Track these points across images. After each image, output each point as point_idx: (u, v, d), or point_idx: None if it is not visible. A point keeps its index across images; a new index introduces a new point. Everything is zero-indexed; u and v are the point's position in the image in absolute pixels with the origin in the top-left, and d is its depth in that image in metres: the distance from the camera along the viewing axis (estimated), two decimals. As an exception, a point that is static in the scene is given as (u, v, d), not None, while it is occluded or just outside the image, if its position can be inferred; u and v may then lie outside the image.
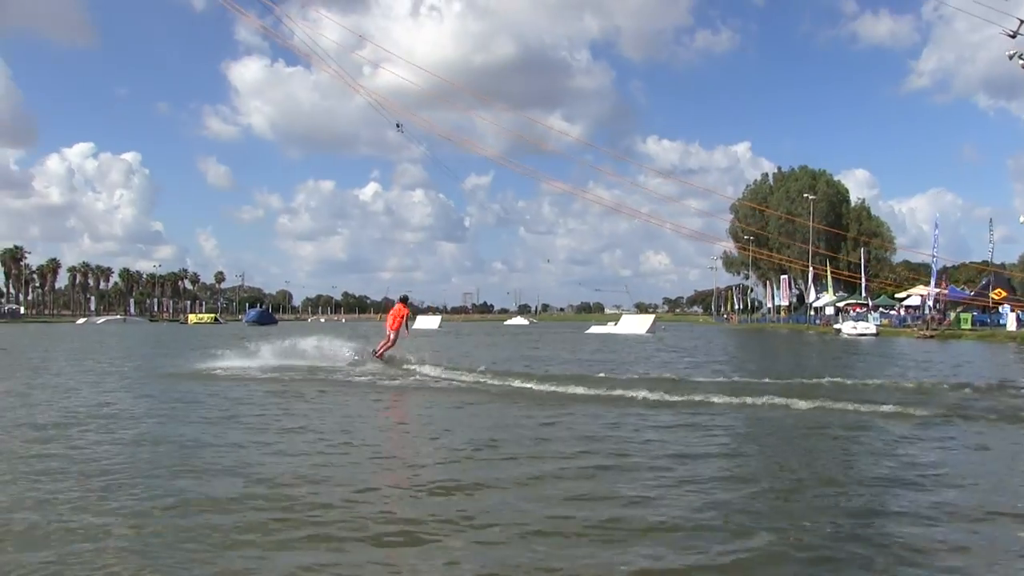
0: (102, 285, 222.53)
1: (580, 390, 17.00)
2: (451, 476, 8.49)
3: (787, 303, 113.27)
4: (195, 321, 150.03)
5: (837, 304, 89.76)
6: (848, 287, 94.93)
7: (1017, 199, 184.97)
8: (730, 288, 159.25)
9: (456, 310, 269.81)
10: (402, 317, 25.13)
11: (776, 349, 46.92)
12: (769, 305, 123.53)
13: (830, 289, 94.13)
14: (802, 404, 14.48)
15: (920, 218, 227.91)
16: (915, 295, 78.50)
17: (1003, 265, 77.94)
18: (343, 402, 15.80)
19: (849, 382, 19.41)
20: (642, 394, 15.99)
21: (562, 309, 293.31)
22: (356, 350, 25.68)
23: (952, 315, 62.81)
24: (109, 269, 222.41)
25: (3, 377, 21.71)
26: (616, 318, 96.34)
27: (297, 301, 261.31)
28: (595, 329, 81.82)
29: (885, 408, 13.94)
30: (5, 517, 6.86)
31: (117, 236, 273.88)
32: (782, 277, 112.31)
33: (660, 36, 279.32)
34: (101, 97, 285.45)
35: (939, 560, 5.94)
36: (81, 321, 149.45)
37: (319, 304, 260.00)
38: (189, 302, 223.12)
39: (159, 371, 23.64)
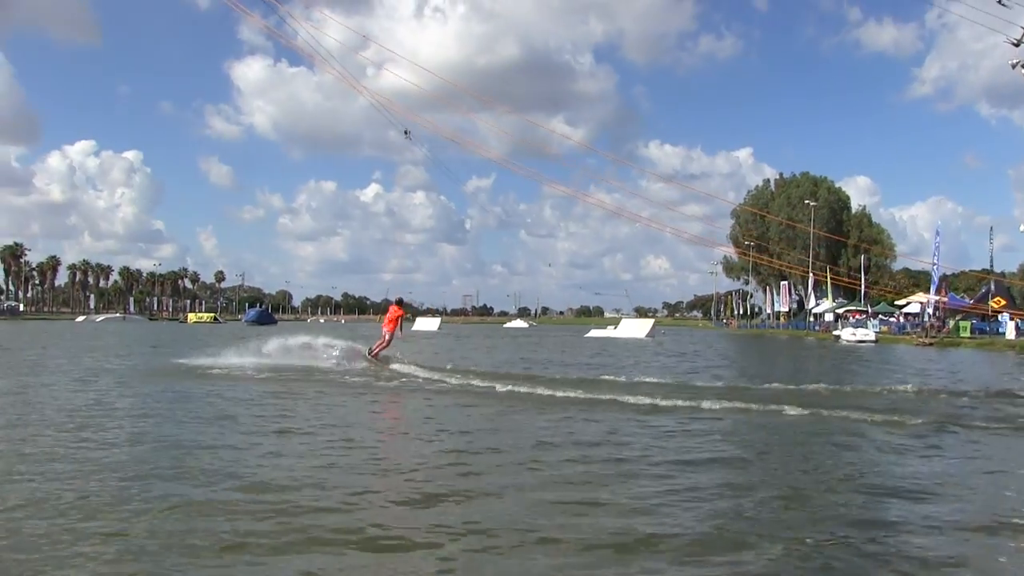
0: (102, 283, 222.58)
1: (578, 394, 16.97)
2: (447, 481, 8.45)
3: (787, 309, 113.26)
4: (194, 320, 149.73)
5: (837, 310, 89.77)
6: (848, 294, 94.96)
7: (1018, 208, 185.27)
8: (730, 293, 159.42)
9: (456, 312, 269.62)
10: (397, 319, 25.71)
11: (775, 355, 46.86)
12: (769, 311, 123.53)
13: (830, 295, 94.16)
14: (800, 411, 14.43)
15: (921, 226, 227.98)
16: (915, 302, 78.52)
17: (1003, 274, 77.90)
18: (338, 403, 15.74)
19: (847, 388, 19.41)
20: (640, 399, 15.98)
21: (562, 312, 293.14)
22: (345, 350, 25.82)
23: (951, 323, 62.76)
24: (109, 267, 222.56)
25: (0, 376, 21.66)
26: (616, 322, 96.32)
27: (297, 301, 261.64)
28: (595, 333, 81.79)
29: (882, 415, 13.94)
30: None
31: (118, 234, 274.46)
32: (782, 283, 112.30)
33: (664, 40, 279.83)
34: (103, 95, 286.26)
35: (939, 573, 5.91)
36: (80, 319, 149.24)
37: (319, 304, 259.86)
38: (189, 301, 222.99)
39: (155, 369, 23.57)
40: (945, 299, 65.86)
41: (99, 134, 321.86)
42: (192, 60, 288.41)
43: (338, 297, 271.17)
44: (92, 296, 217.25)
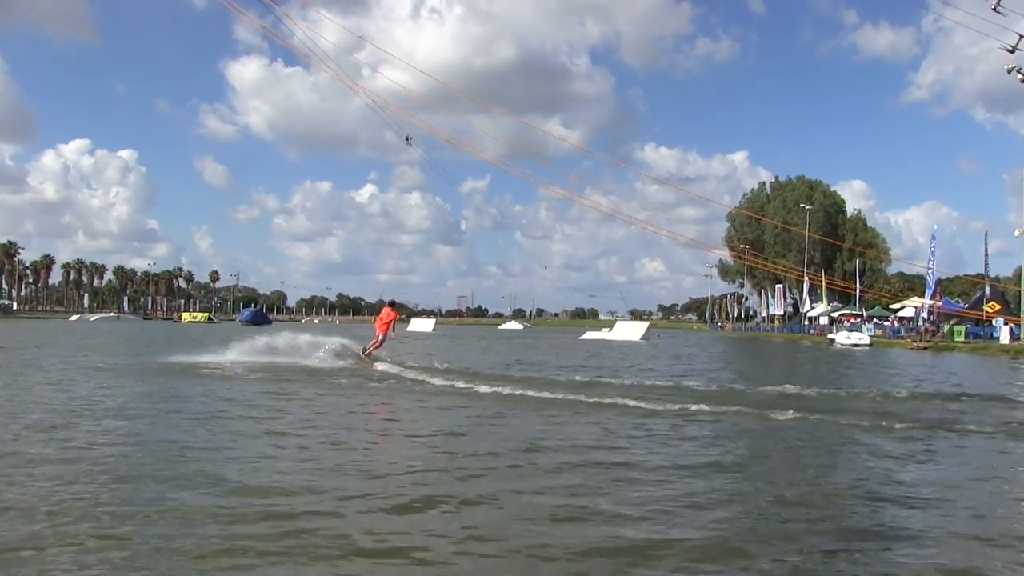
0: (96, 282, 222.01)
1: (572, 396, 16.94)
2: (438, 487, 8.37)
3: (782, 312, 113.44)
4: (189, 320, 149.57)
5: (831, 314, 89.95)
6: (843, 297, 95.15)
7: (1012, 213, 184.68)
8: (725, 296, 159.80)
9: (451, 313, 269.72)
10: (390, 320, 26.62)
11: (770, 358, 46.89)
12: (763, 314, 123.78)
13: (825, 299, 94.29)
14: (793, 414, 14.39)
15: (916, 230, 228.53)
16: (909, 306, 78.63)
17: (998, 278, 77.92)
18: (330, 403, 15.62)
19: (842, 392, 19.39)
20: (635, 402, 15.95)
21: (557, 314, 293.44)
22: (337, 348, 26.05)
23: (946, 327, 62.85)
24: (103, 266, 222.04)
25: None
26: (611, 324, 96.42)
27: (292, 302, 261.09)
28: (589, 335, 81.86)
29: (876, 420, 13.90)
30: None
31: (112, 233, 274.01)
32: (777, 286, 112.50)
33: (660, 43, 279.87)
34: (99, 94, 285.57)
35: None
36: (74, 318, 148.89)
37: (314, 305, 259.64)
38: (183, 301, 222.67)
39: (147, 368, 23.46)
40: (940, 303, 65.98)
41: (94, 133, 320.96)
42: (188, 59, 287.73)
43: (333, 298, 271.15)
44: (86, 295, 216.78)
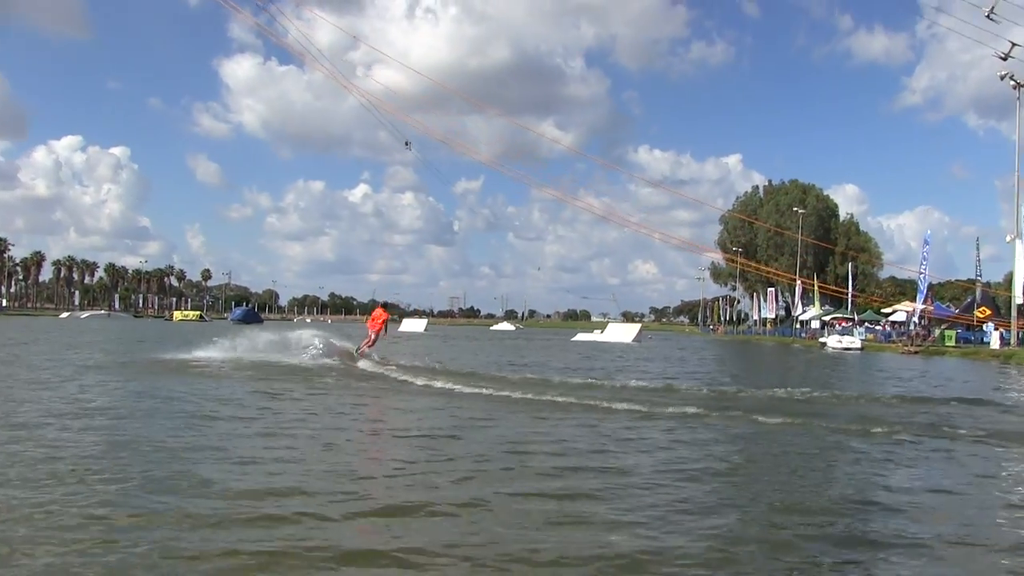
0: (87, 280, 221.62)
1: (564, 398, 16.88)
2: (427, 491, 8.29)
3: (773, 316, 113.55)
4: (180, 318, 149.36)
5: (823, 318, 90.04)
6: (834, 301, 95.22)
7: (1004, 219, 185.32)
8: (717, 299, 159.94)
9: (443, 314, 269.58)
10: (383, 320, 27.51)
11: (761, 362, 46.97)
12: (755, 317, 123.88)
13: (817, 303, 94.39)
14: (784, 419, 14.38)
15: (908, 235, 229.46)
16: (901, 311, 78.73)
17: (989, 283, 78.10)
18: (321, 404, 15.53)
19: (832, 397, 19.36)
20: (625, 405, 15.92)
21: (549, 316, 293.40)
22: (328, 347, 26.27)
23: (937, 332, 62.98)
24: (95, 264, 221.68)
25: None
26: (603, 326, 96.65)
27: (284, 301, 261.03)
28: (581, 336, 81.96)
29: (866, 425, 13.88)
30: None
31: (104, 231, 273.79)
32: (769, 289, 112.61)
33: (656, 46, 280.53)
34: (92, 90, 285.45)
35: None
36: (64, 315, 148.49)
37: (305, 304, 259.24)
38: (175, 299, 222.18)
39: (137, 366, 23.37)
40: (931, 308, 66.10)
41: (86, 129, 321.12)
42: (182, 57, 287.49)
43: (325, 297, 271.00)
44: (77, 293, 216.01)
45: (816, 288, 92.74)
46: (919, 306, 64.87)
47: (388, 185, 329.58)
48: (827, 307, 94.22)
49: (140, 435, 11.24)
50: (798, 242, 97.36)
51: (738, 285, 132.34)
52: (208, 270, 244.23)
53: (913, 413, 16.42)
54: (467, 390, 18.40)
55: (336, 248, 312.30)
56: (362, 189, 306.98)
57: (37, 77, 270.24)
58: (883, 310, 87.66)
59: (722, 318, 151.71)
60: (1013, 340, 52.13)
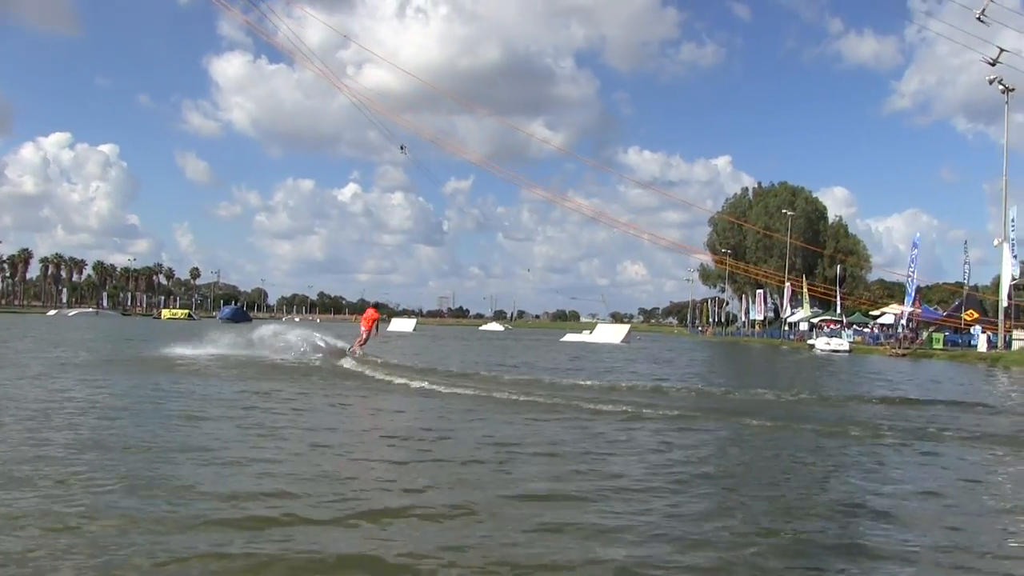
0: (75, 277, 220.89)
1: (552, 399, 16.80)
2: (415, 495, 8.19)
3: (762, 317, 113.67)
4: (169, 316, 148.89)
5: (811, 320, 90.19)
6: (823, 303, 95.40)
7: (992, 222, 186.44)
8: (706, 301, 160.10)
9: (431, 314, 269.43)
10: (374, 320, 29.29)
11: (749, 364, 47.03)
12: (744, 319, 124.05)
13: (805, 305, 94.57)
14: (771, 422, 14.36)
15: (896, 237, 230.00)
16: (889, 313, 78.95)
17: (976, 287, 78.44)
18: (309, 403, 15.45)
19: (821, 399, 19.37)
20: (612, 406, 15.86)
21: (538, 316, 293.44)
22: (320, 345, 26.88)
23: (924, 334, 63.17)
24: (83, 261, 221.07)
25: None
26: (591, 327, 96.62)
27: (272, 300, 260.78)
28: (570, 337, 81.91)
29: (853, 427, 13.91)
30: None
31: (92, 228, 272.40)
32: (758, 291, 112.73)
33: (646, 47, 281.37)
34: (80, 87, 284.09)
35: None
36: (52, 313, 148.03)
37: (294, 303, 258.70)
38: (163, 297, 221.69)
39: (125, 364, 23.25)
40: (919, 311, 66.28)
41: (75, 126, 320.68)
42: (171, 54, 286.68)
43: (314, 296, 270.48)
44: (64, 290, 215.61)
45: (805, 290, 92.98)
46: (907, 309, 65.04)
47: (378, 184, 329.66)
48: (816, 309, 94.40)
49: (124, 435, 11.14)
50: (787, 244, 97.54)
51: (727, 287, 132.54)
52: (197, 268, 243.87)
53: (901, 416, 16.40)
54: (455, 391, 18.32)
55: (325, 247, 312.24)
56: (352, 188, 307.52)
57: (24, 73, 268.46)
58: (871, 312, 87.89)
59: (711, 319, 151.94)
60: (1000, 343, 52.34)
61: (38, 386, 17.22)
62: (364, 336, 28.51)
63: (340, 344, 28.03)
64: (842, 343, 65.21)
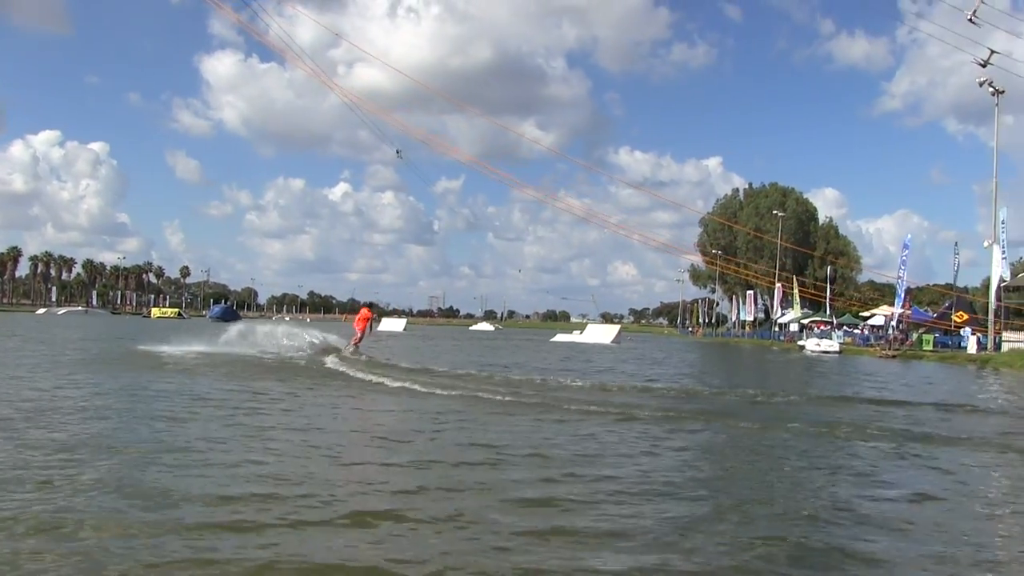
0: (64, 276, 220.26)
1: (542, 398, 16.75)
2: (402, 501, 8.05)
3: (752, 318, 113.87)
4: (158, 315, 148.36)
5: (802, 321, 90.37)
6: (813, 304, 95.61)
7: (981, 224, 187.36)
8: (696, 301, 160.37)
9: (422, 313, 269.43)
10: (368, 319, 30.83)
11: (739, 364, 47.03)
12: (734, 319, 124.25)
13: (795, 306, 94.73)
14: (762, 424, 14.32)
15: (887, 239, 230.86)
16: (879, 315, 79.16)
17: (966, 288, 78.70)
18: (298, 403, 15.37)
19: (811, 400, 19.35)
20: (602, 407, 15.78)
21: (528, 316, 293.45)
22: (303, 345, 27.32)
23: (915, 336, 63.30)
24: (72, 260, 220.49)
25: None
26: (582, 327, 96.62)
27: (263, 299, 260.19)
28: (561, 337, 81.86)
29: (842, 429, 13.85)
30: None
31: (82, 226, 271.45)
32: (748, 292, 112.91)
33: (637, 48, 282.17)
34: (70, 85, 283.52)
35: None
36: (41, 311, 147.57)
37: (284, 303, 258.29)
38: (153, 296, 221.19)
39: (114, 363, 23.12)
40: (909, 312, 66.43)
41: (65, 124, 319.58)
42: (162, 53, 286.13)
43: (304, 296, 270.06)
44: (54, 289, 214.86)
45: (796, 291, 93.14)
46: (897, 310, 65.23)
47: (368, 184, 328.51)
48: (806, 310, 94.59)
49: (110, 435, 11.02)
50: (778, 245, 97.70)
51: (717, 287, 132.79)
52: (187, 267, 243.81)
53: (890, 417, 16.40)
54: (445, 391, 18.20)
55: (316, 247, 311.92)
56: (342, 188, 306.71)
57: (15, 70, 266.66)
58: (861, 314, 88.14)
59: (701, 320, 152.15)
60: (990, 345, 52.48)
61: (24, 385, 17.06)
62: (358, 336, 29.53)
63: (335, 343, 28.21)
64: (832, 344, 65.31)
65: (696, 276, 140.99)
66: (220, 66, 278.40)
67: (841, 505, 8.48)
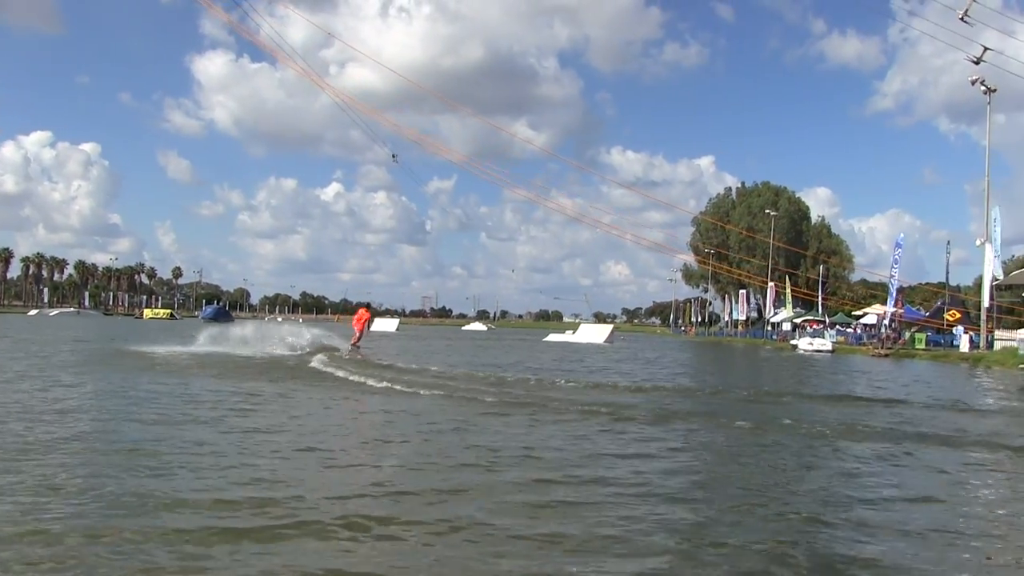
0: (56, 277, 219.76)
1: (535, 401, 16.68)
2: (394, 506, 7.99)
3: (745, 317, 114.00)
4: (151, 316, 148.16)
5: (794, 320, 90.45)
6: (806, 303, 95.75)
7: (973, 223, 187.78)
8: (689, 301, 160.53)
9: (414, 313, 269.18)
10: (365, 319, 33.52)
11: (732, 364, 47.06)
12: (727, 319, 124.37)
13: (788, 305, 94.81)
14: (755, 423, 14.30)
15: (879, 238, 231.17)
16: (871, 314, 79.26)
17: (958, 287, 78.78)
18: (290, 404, 15.29)
19: (804, 400, 19.35)
20: (594, 407, 15.76)
21: (521, 316, 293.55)
22: (294, 345, 27.96)
23: (907, 335, 63.39)
24: (64, 261, 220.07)
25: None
26: (575, 327, 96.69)
27: (255, 299, 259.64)
28: (553, 337, 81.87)
29: (836, 429, 13.84)
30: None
31: (73, 227, 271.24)
32: (741, 292, 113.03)
33: (629, 48, 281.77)
34: (62, 85, 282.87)
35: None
36: (33, 313, 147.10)
37: (277, 303, 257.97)
38: (145, 297, 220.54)
39: (105, 363, 23.05)
40: (901, 311, 66.51)
41: (56, 125, 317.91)
42: (153, 53, 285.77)
43: (296, 296, 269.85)
44: (46, 290, 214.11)
45: (788, 290, 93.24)
46: (890, 309, 65.26)
47: (360, 184, 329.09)
48: (798, 309, 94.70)
49: (99, 438, 10.95)
50: (770, 245, 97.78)
51: (710, 287, 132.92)
52: (179, 268, 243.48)
53: (883, 416, 16.40)
54: (438, 392, 18.17)
55: (308, 247, 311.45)
56: (334, 188, 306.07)
57: (5, 71, 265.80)
58: (854, 313, 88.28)
59: (694, 320, 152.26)
60: (982, 343, 52.54)
61: (15, 387, 16.97)
62: (357, 335, 31.69)
63: (328, 341, 28.36)
64: (825, 343, 65.39)
65: (689, 276, 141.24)
66: (211, 66, 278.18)
67: (838, 507, 8.46)
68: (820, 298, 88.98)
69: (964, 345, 54.74)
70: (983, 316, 53.39)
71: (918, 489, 9.59)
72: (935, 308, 69.60)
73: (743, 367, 43.30)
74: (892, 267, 65.37)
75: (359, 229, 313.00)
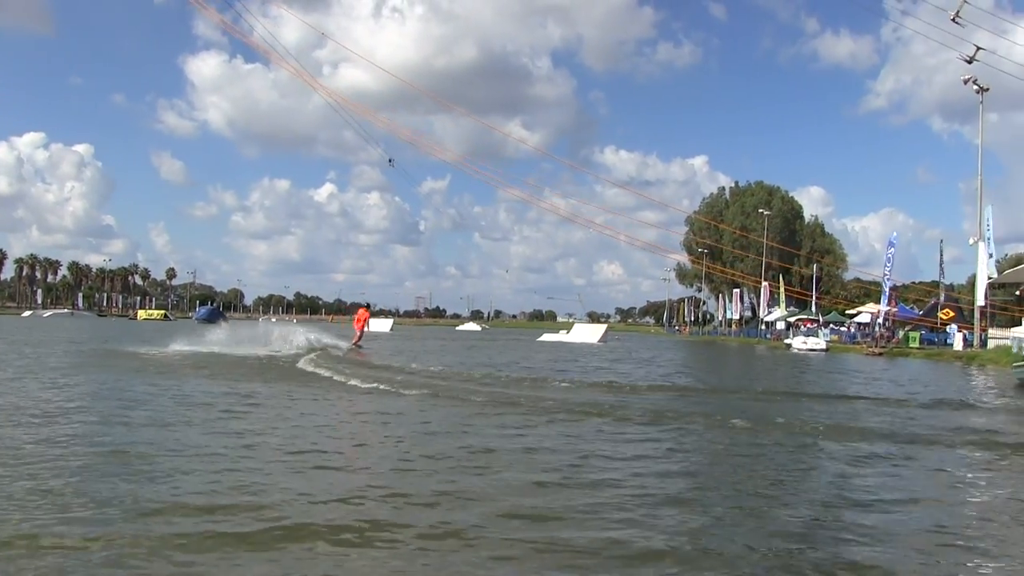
0: (50, 278, 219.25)
1: (528, 400, 16.68)
2: (389, 512, 7.88)
3: (739, 317, 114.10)
4: (144, 317, 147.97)
5: (788, 319, 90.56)
6: (799, 303, 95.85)
7: (967, 222, 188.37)
8: (683, 300, 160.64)
9: (408, 314, 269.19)
10: (365, 319, 36.11)
11: (727, 363, 47.05)
12: (721, 318, 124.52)
13: (782, 304, 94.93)
14: (745, 422, 14.27)
15: (873, 237, 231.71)
16: (865, 312, 79.42)
17: (952, 286, 79.00)
18: (285, 405, 15.20)
19: (799, 398, 19.34)
20: (591, 408, 15.71)
21: (515, 316, 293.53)
22: (291, 345, 28.14)
23: (901, 333, 63.49)
24: (57, 262, 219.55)
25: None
26: (568, 326, 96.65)
27: (249, 300, 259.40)
28: (547, 337, 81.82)
29: (832, 429, 13.81)
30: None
31: (67, 229, 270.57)
32: (735, 291, 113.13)
33: (622, 47, 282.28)
34: (54, 86, 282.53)
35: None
36: (27, 314, 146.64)
37: (271, 304, 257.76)
38: (139, 298, 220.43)
39: (99, 364, 22.96)
40: (895, 310, 66.62)
41: (49, 126, 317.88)
42: (146, 53, 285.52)
43: (290, 297, 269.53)
44: (40, 291, 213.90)
45: (782, 290, 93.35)
46: (883, 308, 65.38)
47: (354, 185, 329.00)
48: (792, 308, 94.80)
49: (94, 439, 10.85)
50: (764, 244, 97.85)
51: (704, 286, 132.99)
52: (173, 269, 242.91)
53: (878, 415, 16.40)
54: (432, 393, 18.12)
55: (301, 248, 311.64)
56: (328, 188, 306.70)
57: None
58: (848, 312, 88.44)
59: (688, 319, 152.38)
60: (976, 342, 52.65)
61: (7, 388, 16.87)
62: (358, 334, 33.72)
63: (326, 341, 28.36)
64: (819, 342, 65.54)
65: (682, 275, 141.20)
66: (204, 67, 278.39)
67: (836, 508, 8.40)
68: (814, 297, 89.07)
69: (958, 343, 54.85)
70: (977, 314, 53.50)
71: (916, 489, 9.56)
72: (929, 307, 69.70)
73: (737, 366, 43.29)
74: (885, 266, 65.54)
75: (353, 229, 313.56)
